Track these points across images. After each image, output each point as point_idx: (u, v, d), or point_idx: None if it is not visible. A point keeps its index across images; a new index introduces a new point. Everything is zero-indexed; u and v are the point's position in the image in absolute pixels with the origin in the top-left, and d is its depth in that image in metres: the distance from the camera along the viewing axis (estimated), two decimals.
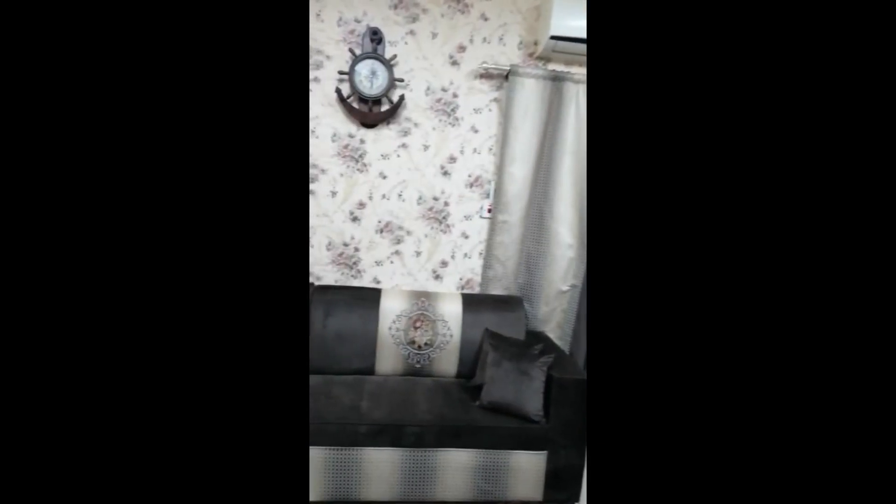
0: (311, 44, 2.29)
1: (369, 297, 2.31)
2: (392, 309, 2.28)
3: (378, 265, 2.50)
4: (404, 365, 2.25)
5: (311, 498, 1.78)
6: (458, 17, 2.33)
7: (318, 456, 1.77)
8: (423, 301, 2.30)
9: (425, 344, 2.25)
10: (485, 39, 2.36)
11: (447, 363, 2.26)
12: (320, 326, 2.23)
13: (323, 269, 2.47)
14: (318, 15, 2.26)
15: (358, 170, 2.41)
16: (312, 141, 2.36)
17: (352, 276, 2.50)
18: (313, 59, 2.30)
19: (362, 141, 2.39)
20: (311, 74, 2.31)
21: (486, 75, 2.39)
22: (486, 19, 2.34)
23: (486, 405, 1.95)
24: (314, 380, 2.11)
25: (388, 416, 1.82)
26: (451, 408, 1.94)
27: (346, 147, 2.38)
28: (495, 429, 1.85)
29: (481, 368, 2.11)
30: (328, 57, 2.30)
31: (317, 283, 2.46)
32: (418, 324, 2.26)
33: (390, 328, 2.25)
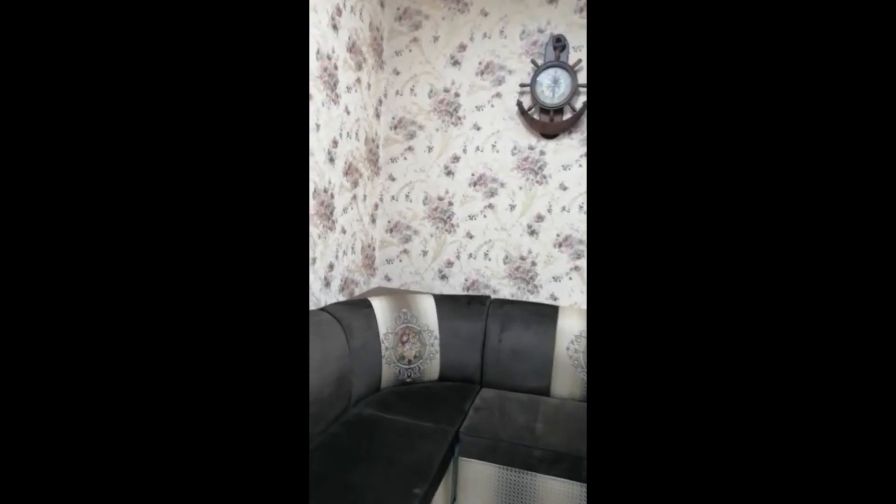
0: (494, 60, 2.33)
1: (546, 314, 2.21)
2: (570, 328, 2.13)
3: (556, 281, 2.38)
4: (583, 390, 2.07)
5: None
6: None
7: (491, 473, 1.72)
8: None
9: None
10: None
11: None
12: (496, 340, 2.21)
13: (499, 283, 2.46)
14: (501, 31, 2.30)
15: (537, 182, 2.35)
16: (493, 155, 2.39)
17: (528, 290, 2.43)
18: (495, 75, 2.34)
19: (542, 152, 2.32)
20: (493, 90, 2.35)
21: None
22: None
23: None
24: (488, 393, 2.09)
25: (565, 445, 1.68)
26: None
27: (525, 160, 2.35)
28: None
29: None
30: (510, 71, 2.32)
31: (493, 296, 2.46)
32: None
33: (568, 348, 2.10)
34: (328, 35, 1.91)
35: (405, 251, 2.59)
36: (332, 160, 2.03)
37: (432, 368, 2.19)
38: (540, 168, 2.34)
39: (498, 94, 2.35)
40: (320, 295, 2.05)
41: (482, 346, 2.24)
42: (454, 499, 1.81)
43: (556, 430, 1.77)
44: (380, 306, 2.13)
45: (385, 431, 1.68)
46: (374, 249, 2.58)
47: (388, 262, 2.62)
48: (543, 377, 2.14)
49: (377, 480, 1.38)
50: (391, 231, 2.60)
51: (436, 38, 2.40)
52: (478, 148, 2.41)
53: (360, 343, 1.95)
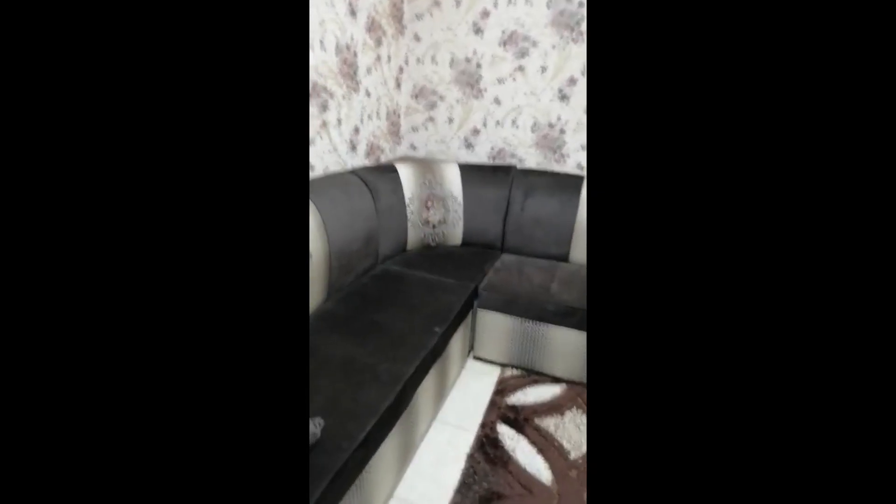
0: None
1: (571, 185, 2.20)
2: None
3: (584, 150, 2.32)
4: None
5: (499, 360, 1.94)
6: None
7: (506, 323, 1.87)
8: None
9: None
10: None
11: None
12: (518, 209, 2.25)
13: (526, 152, 2.42)
14: None
15: (572, 40, 2.16)
16: (525, 9, 2.18)
17: (555, 160, 2.39)
18: None
19: (581, 3, 2.11)
20: None
21: None
22: None
23: None
24: (508, 258, 2.18)
25: (578, 301, 1.79)
26: None
27: (561, 13, 2.14)
28: None
29: None
30: None
31: (519, 165, 2.43)
32: None
33: None
34: None
35: (431, 118, 2.53)
36: (353, 13, 1.91)
37: (455, 233, 2.27)
38: (577, 23, 2.14)
39: None
40: (346, 157, 2.08)
41: (505, 214, 2.28)
42: (472, 346, 2.00)
43: (570, 290, 1.87)
44: (405, 172, 2.16)
45: (409, 284, 1.82)
46: (399, 116, 2.54)
47: (414, 129, 2.58)
48: (563, 245, 2.20)
49: (401, 321, 1.53)
50: (416, 97, 2.52)
51: None
52: (510, 0, 2.20)
53: (387, 206, 2.02)
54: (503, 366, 1.94)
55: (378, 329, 1.47)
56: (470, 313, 1.88)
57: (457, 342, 1.73)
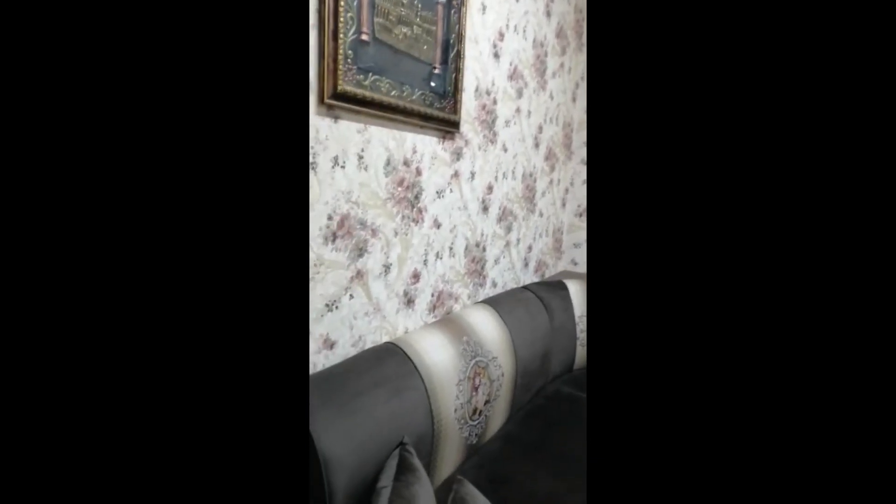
0: None
1: None
2: None
3: None
4: None
5: None
6: None
7: None
8: None
9: None
10: None
11: None
12: None
13: None
14: None
15: None
16: None
17: None
18: None
19: None
20: None
21: None
22: None
23: None
24: None
25: None
26: None
27: None
28: None
29: None
30: None
31: None
32: None
33: None
34: (542, 22, 1.96)
35: None
36: (536, 146, 2.11)
37: None
38: None
39: None
40: (520, 274, 2.16)
41: None
42: None
43: None
44: (575, 289, 2.16)
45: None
46: (562, 233, 2.62)
47: (576, 245, 2.63)
48: None
49: None
50: (580, 215, 2.60)
51: None
52: None
53: (560, 323, 2.02)
54: None
55: (574, 460, 1.39)
56: None
57: None
